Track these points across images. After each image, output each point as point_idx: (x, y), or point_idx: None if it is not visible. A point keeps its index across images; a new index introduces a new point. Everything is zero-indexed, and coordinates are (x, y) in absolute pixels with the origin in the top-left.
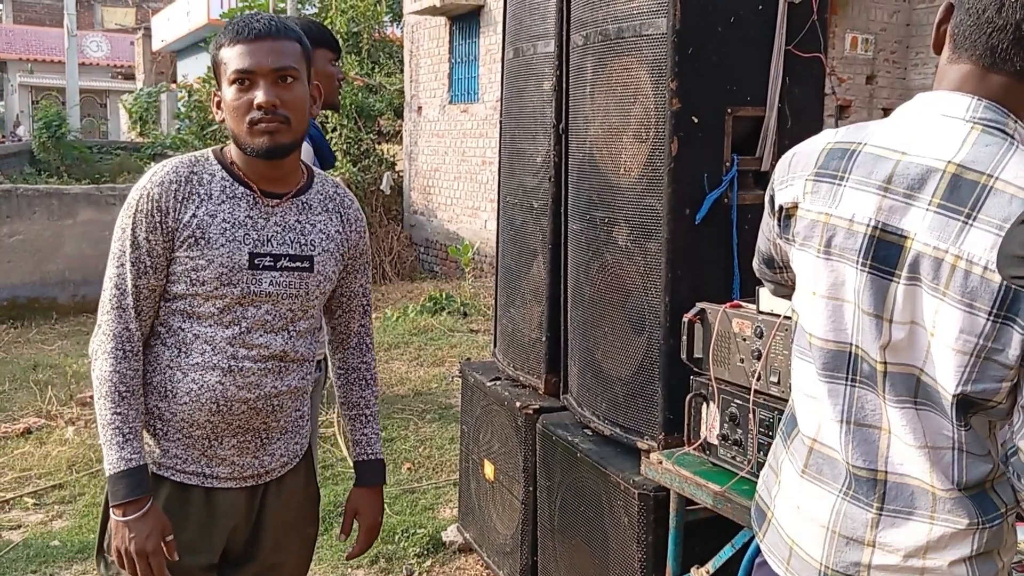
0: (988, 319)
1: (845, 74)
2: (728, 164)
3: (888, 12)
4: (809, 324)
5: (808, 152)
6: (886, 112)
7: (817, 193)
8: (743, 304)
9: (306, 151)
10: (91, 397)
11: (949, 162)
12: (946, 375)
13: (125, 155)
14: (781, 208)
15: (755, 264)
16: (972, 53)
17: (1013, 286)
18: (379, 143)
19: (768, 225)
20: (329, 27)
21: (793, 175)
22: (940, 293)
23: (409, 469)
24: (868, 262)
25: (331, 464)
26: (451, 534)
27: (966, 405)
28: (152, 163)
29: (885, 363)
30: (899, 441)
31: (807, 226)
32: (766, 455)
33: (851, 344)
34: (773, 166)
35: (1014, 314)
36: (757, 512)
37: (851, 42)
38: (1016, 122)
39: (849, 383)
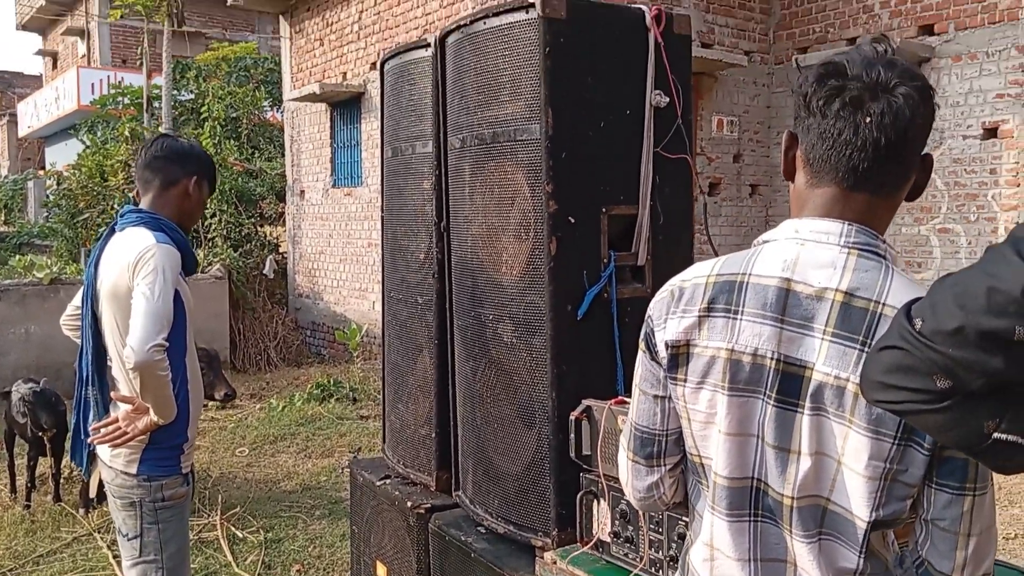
0: (893, 443)
1: (713, 153)
2: (606, 260)
3: (749, 96)
4: (712, 462)
5: (691, 287)
6: (753, 188)
7: (713, 328)
8: (627, 400)
9: (173, 257)
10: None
11: (836, 290)
12: (859, 503)
13: None
14: (667, 345)
15: (628, 454)
16: (834, 176)
17: (879, 409)
18: (261, 226)
19: (647, 372)
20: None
21: (679, 310)
22: (846, 420)
23: (299, 571)
24: (773, 395)
25: (215, 571)
26: None
27: (875, 528)
28: (18, 254)
29: (793, 497)
30: (804, 573)
31: (706, 363)
32: (658, 552)
33: (752, 478)
34: (648, 260)
35: (919, 437)
36: None
37: (717, 124)
38: (884, 241)
39: (752, 519)
